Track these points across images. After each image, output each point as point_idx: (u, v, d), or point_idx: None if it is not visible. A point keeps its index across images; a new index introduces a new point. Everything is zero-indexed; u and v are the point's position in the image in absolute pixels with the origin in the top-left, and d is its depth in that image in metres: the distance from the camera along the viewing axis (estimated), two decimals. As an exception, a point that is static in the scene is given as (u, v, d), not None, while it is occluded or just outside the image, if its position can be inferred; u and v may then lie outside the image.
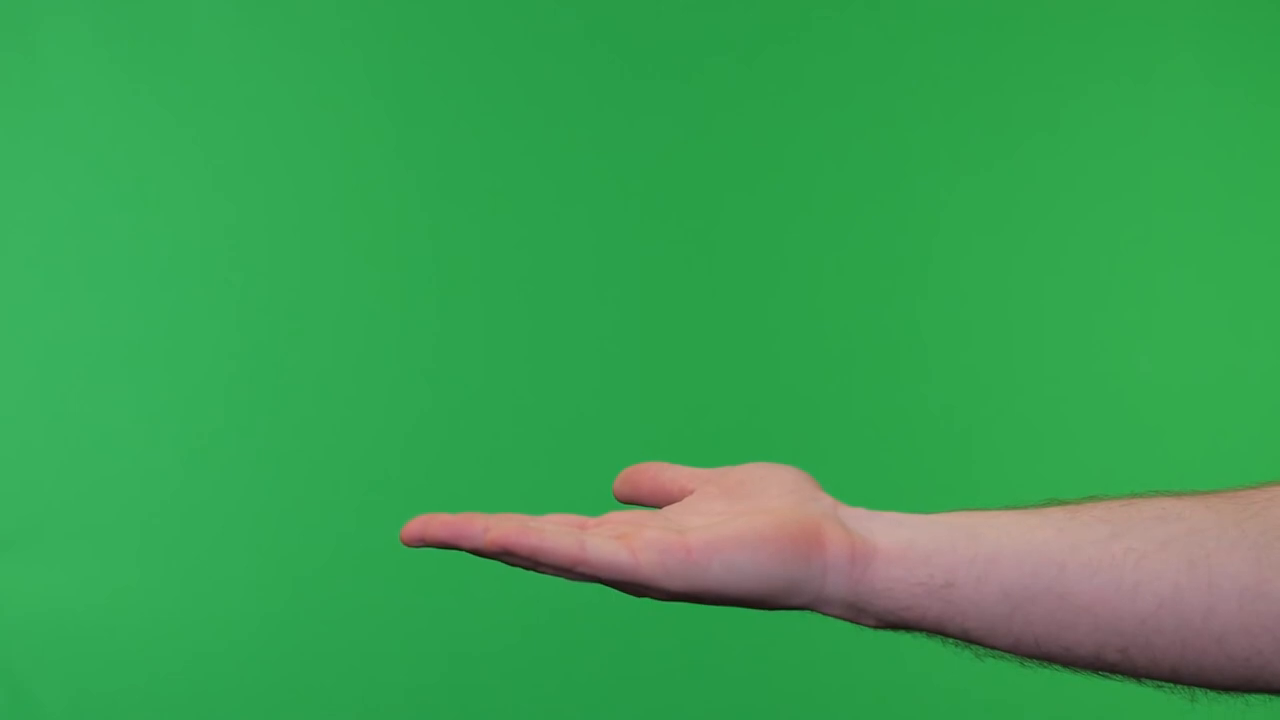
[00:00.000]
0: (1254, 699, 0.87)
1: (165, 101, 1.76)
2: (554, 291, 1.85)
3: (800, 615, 1.88)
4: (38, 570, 1.72)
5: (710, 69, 1.89)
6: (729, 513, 0.86)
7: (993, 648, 0.86)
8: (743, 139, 1.90)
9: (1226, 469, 1.98)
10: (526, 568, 0.83)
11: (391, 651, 1.79)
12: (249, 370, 1.77)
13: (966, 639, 0.86)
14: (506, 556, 0.82)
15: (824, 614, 0.87)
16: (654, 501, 0.93)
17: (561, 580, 1.82)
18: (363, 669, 1.79)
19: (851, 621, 0.87)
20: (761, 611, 1.89)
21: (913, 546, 0.85)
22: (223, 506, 1.76)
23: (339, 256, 1.80)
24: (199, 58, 1.76)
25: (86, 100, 1.73)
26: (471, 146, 1.83)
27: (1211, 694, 0.86)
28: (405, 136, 1.82)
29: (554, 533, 0.82)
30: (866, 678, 1.92)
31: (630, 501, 0.95)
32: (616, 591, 1.84)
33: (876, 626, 0.87)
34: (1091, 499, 0.87)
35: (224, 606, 1.75)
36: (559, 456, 1.84)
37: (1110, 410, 1.98)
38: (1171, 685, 0.85)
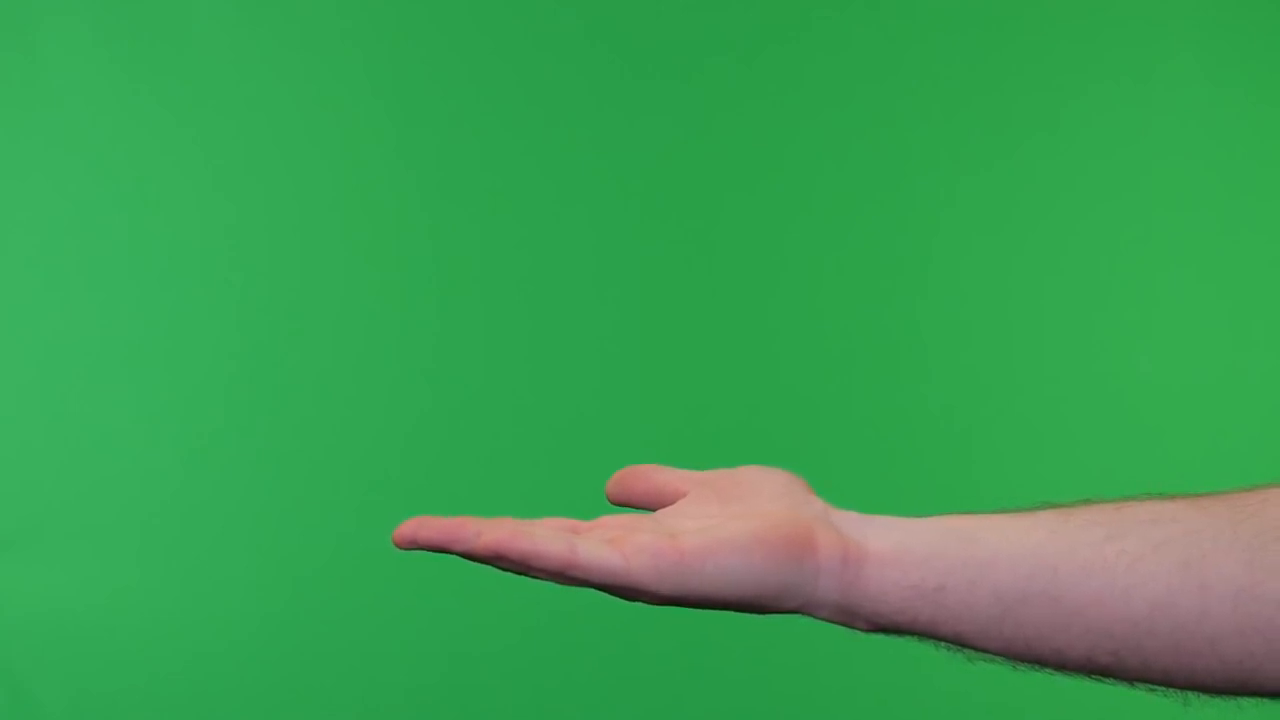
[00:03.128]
0: (1246, 702, 0.87)
1: (165, 101, 1.76)
2: (554, 291, 1.85)
3: (799, 618, 1.87)
4: (38, 570, 1.72)
5: (710, 69, 1.89)
6: (722, 516, 0.86)
7: (984, 651, 0.86)
8: (743, 139, 1.90)
9: (1226, 469, 1.98)
10: (519, 572, 0.83)
11: (391, 651, 1.79)
12: (249, 370, 1.77)
13: (958, 642, 0.86)
14: (498, 561, 0.82)
15: (815, 617, 0.87)
16: (647, 504, 0.93)
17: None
18: (363, 669, 1.79)
19: (843, 625, 0.87)
20: (757, 614, 1.88)
21: (905, 550, 0.85)
22: (223, 506, 1.76)
23: (339, 256, 1.80)
24: (199, 58, 1.76)
25: (86, 100, 1.73)
26: (471, 146, 1.83)
27: (1204, 697, 0.86)
28: (405, 136, 1.82)
29: (545, 537, 0.82)
30: (865, 680, 1.92)
31: (623, 504, 0.95)
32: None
33: (868, 630, 0.87)
34: (1084, 502, 0.87)
35: (224, 606, 1.75)
36: (559, 457, 1.84)
37: (1110, 410, 1.97)
38: (1164, 689, 0.85)
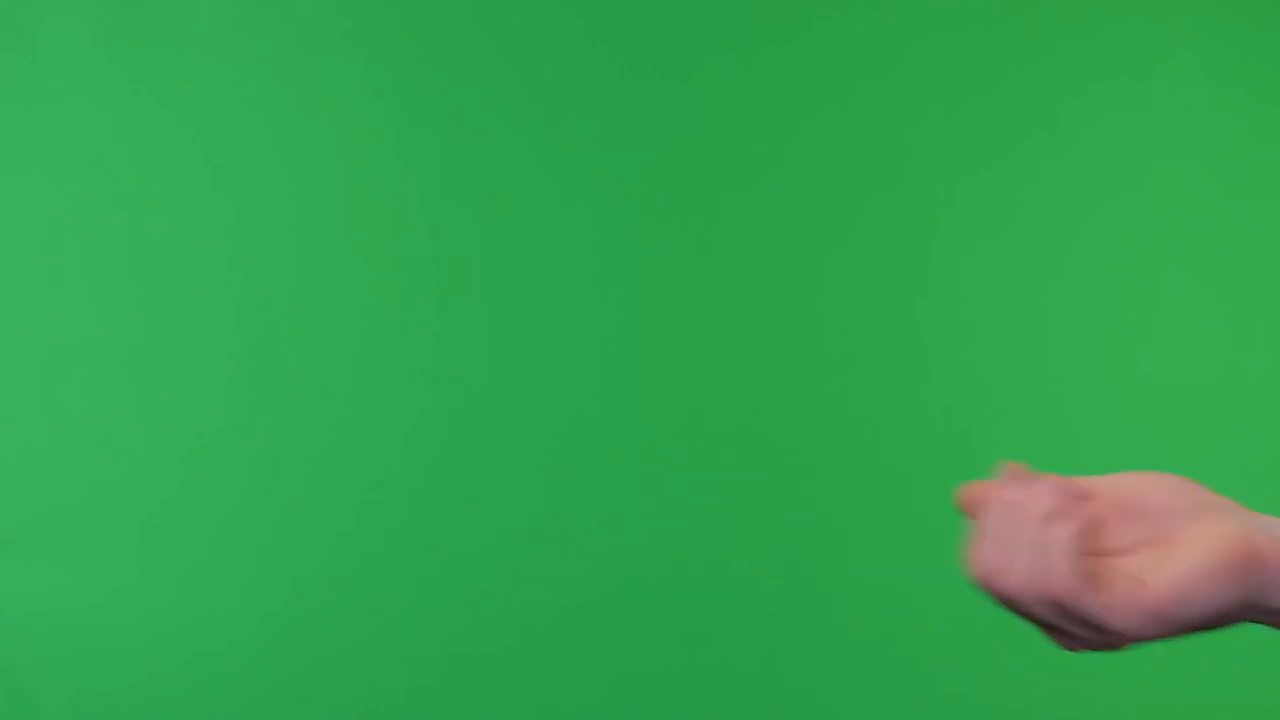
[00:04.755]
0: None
1: (165, 101, 1.76)
2: (554, 291, 1.85)
3: (798, 617, 1.88)
4: (38, 570, 1.72)
5: (710, 69, 1.89)
6: (1157, 544, 0.87)
7: None
8: (743, 139, 1.90)
9: (1226, 469, 1.98)
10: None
11: (391, 651, 1.79)
12: (249, 370, 1.77)
13: None
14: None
15: (1266, 625, 0.88)
16: None
17: (560, 580, 1.83)
18: (363, 669, 1.79)
19: None
20: (761, 612, 1.89)
21: None
22: (223, 506, 1.76)
23: (339, 256, 1.80)
24: (199, 58, 1.76)
25: (86, 100, 1.73)
26: (471, 146, 1.83)
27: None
28: (405, 136, 1.82)
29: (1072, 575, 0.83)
30: (866, 680, 1.92)
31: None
32: (613, 592, 1.84)
33: None
34: None
35: (224, 606, 1.76)
36: (558, 457, 1.84)
37: (1110, 410, 1.98)
38: None
